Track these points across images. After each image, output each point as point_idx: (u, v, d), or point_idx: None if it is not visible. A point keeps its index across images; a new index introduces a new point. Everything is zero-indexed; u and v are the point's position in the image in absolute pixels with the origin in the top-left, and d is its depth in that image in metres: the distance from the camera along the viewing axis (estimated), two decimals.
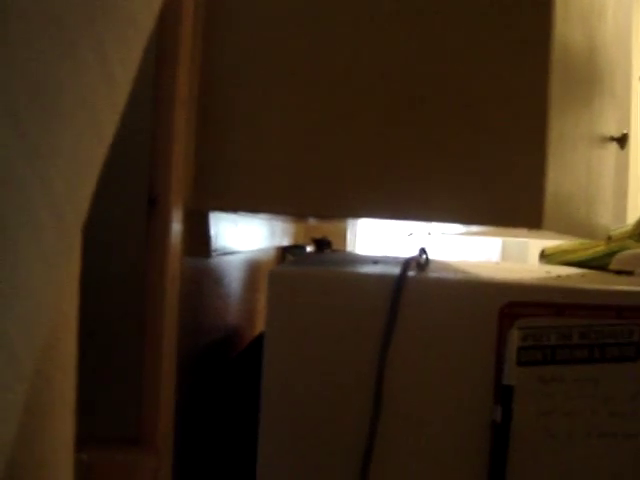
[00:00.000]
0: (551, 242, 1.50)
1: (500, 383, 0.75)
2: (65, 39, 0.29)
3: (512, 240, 2.50)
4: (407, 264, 0.79)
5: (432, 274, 0.82)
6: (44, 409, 0.34)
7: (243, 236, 1.09)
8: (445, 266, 1.00)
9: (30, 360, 0.31)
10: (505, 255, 2.64)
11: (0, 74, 0.27)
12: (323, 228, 1.80)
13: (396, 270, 0.78)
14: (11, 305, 0.30)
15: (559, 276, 0.98)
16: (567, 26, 0.88)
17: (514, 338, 0.75)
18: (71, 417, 0.37)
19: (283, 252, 1.66)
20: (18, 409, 0.31)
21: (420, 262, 0.87)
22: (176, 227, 0.69)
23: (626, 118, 1.80)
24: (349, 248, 2.13)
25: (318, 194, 0.83)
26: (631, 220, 1.40)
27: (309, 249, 1.72)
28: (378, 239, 2.36)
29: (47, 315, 0.32)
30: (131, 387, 0.65)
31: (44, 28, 0.28)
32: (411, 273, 0.78)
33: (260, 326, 1.35)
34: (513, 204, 0.81)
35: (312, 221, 1.46)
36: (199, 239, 0.85)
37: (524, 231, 0.87)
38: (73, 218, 0.32)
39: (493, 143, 0.81)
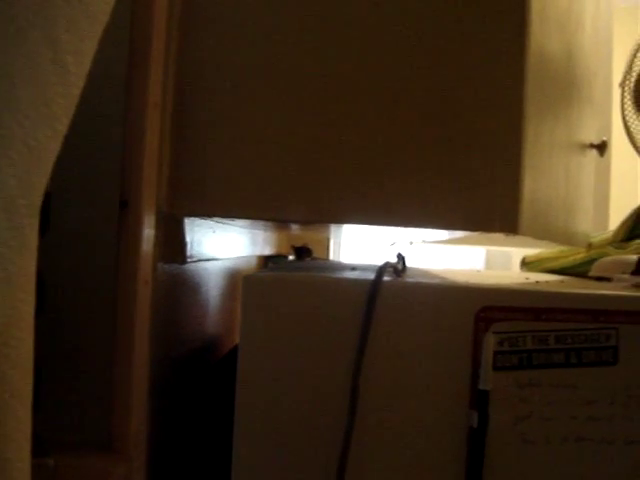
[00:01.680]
0: (534, 250, 1.50)
1: (476, 388, 0.75)
2: (15, 28, 0.28)
3: (496, 249, 2.50)
4: (382, 269, 0.79)
5: (408, 279, 0.82)
6: None
7: (221, 243, 1.08)
8: (422, 272, 1.00)
9: None
10: (489, 264, 2.64)
11: None
12: (306, 237, 1.79)
13: (372, 275, 0.78)
14: None
15: (537, 282, 0.98)
16: (544, 35, 0.88)
17: (490, 342, 0.74)
18: (28, 416, 0.36)
19: (265, 261, 1.66)
20: None
21: (397, 268, 0.87)
22: (148, 230, 0.69)
23: (607, 125, 1.81)
24: (332, 257, 2.12)
25: (294, 199, 0.83)
26: (613, 227, 1.40)
27: (291, 257, 1.71)
28: (361, 249, 2.36)
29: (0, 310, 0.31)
30: (101, 392, 0.65)
31: None
32: (387, 278, 0.78)
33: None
34: (489, 209, 0.81)
35: (294, 230, 1.45)
36: (174, 245, 0.84)
37: (501, 237, 0.87)
38: (26, 212, 0.31)
39: (470, 150, 0.81)
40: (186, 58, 0.82)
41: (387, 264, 0.83)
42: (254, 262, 1.53)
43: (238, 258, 1.29)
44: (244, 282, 0.76)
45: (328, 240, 2.03)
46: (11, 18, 0.28)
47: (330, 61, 0.82)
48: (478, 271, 1.41)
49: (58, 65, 0.31)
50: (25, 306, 0.36)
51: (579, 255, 1.29)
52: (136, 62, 0.65)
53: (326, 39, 0.82)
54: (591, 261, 1.23)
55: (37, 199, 0.32)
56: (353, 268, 0.99)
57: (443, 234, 0.98)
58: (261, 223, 1.11)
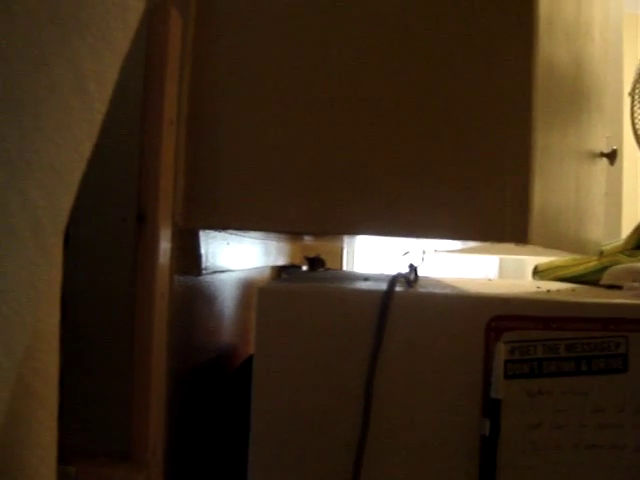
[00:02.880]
0: (547, 259, 1.51)
1: (488, 397, 0.76)
2: (41, 57, 0.30)
3: (509, 258, 2.50)
4: (394, 280, 0.80)
5: (419, 289, 0.83)
6: (24, 417, 0.35)
7: (235, 255, 1.10)
8: (434, 282, 1.01)
9: (11, 368, 0.32)
10: (502, 273, 2.64)
11: None
12: (319, 248, 1.81)
13: (384, 286, 0.79)
14: None
15: (549, 291, 0.99)
16: (552, 44, 0.89)
17: (501, 351, 0.75)
18: (53, 425, 0.38)
19: (279, 272, 1.67)
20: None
21: (409, 278, 0.88)
22: (165, 244, 0.71)
23: (618, 134, 1.81)
24: (346, 268, 2.13)
25: (308, 211, 0.84)
26: (625, 235, 1.41)
27: (305, 268, 1.72)
28: (374, 258, 2.37)
29: (27, 324, 0.33)
30: (120, 402, 0.66)
31: (20, 48, 0.29)
32: (399, 289, 0.79)
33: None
34: (499, 219, 0.82)
35: (307, 240, 1.47)
36: (189, 257, 0.86)
37: (512, 246, 0.88)
38: (52, 230, 0.33)
39: (479, 160, 0.82)
40: (200, 74, 0.84)
41: (399, 275, 0.84)
42: (267, 273, 1.55)
43: (252, 269, 1.30)
44: (258, 293, 0.78)
45: (342, 250, 2.04)
46: (37, 46, 0.30)
47: (344, 75, 0.84)
48: (489, 280, 1.42)
49: (82, 93, 0.32)
50: (51, 320, 0.38)
51: (591, 263, 1.30)
52: (152, 80, 0.67)
53: (340, 53, 0.84)
54: (603, 269, 1.24)
55: (63, 219, 0.34)
56: (366, 278, 1.00)
57: (455, 244, 1.00)
58: (275, 235, 1.12)
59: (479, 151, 0.82)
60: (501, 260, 2.69)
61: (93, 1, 0.32)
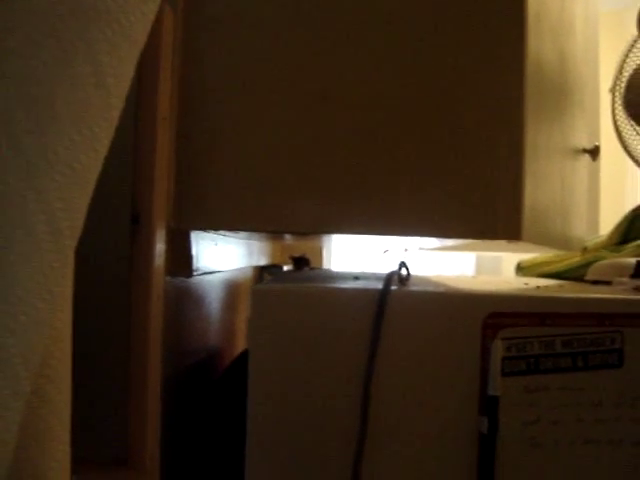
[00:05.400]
0: (524, 255, 1.51)
1: (485, 394, 0.75)
2: (60, 51, 0.29)
3: (486, 254, 2.52)
4: (389, 278, 0.79)
5: (414, 288, 0.82)
6: (39, 427, 0.34)
7: (222, 256, 1.08)
8: (426, 280, 1.01)
9: (28, 377, 0.30)
10: (479, 269, 2.66)
11: None
12: (300, 247, 1.80)
13: (378, 285, 0.78)
14: (9, 322, 0.30)
15: (538, 287, 0.99)
16: (539, 41, 0.89)
17: (498, 349, 0.75)
18: (67, 435, 0.37)
19: (261, 271, 1.66)
20: (15, 427, 0.30)
21: (401, 276, 0.87)
22: (160, 245, 0.69)
23: (596, 131, 1.83)
24: (326, 266, 2.13)
25: (296, 211, 0.83)
26: (604, 231, 1.42)
27: (286, 268, 1.71)
28: (354, 257, 2.36)
29: (44, 332, 0.32)
30: (117, 408, 0.65)
31: (40, 41, 0.28)
32: (393, 287, 0.78)
33: (240, 345, 1.34)
34: (492, 216, 0.82)
35: (288, 240, 1.46)
36: (180, 259, 0.84)
37: (503, 243, 0.88)
38: (69, 233, 0.31)
39: (471, 157, 0.82)
40: (189, 75, 0.82)
41: (394, 273, 0.83)
42: (250, 273, 1.53)
43: (236, 270, 1.29)
44: (252, 295, 0.77)
45: (321, 249, 2.04)
46: (56, 41, 0.29)
47: (331, 74, 0.83)
48: (475, 277, 1.42)
49: (100, 88, 0.31)
50: (64, 326, 0.36)
51: (574, 259, 1.30)
52: (145, 76, 0.66)
53: (328, 52, 0.83)
54: (587, 265, 1.24)
55: (79, 221, 0.33)
56: (356, 277, 0.99)
57: (445, 241, 0.99)
58: (259, 234, 1.11)
59: (471, 149, 0.82)
60: (478, 257, 2.70)
61: None
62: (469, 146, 0.82)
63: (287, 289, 0.79)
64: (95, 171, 0.33)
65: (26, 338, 0.30)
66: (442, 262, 2.66)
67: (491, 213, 0.82)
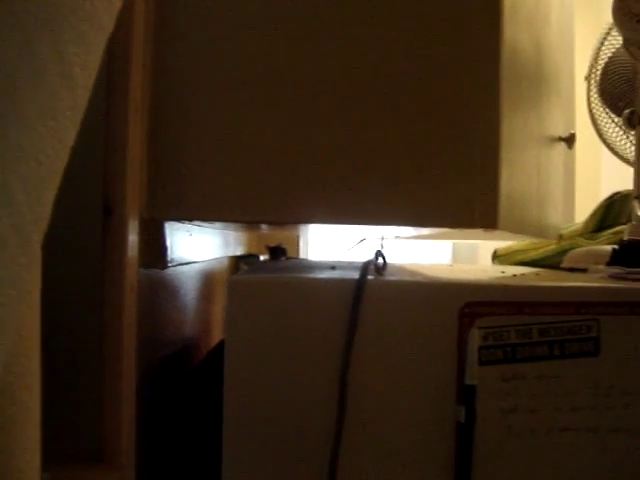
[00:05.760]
0: (501, 243, 1.52)
1: (463, 383, 0.75)
2: (22, 39, 0.28)
3: (462, 242, 2.53)
4: (366, 268, 0.79)
5: (391, 277, 0.82)
6: (7, 426, 0.33)
7: (197, 246, 1.07)
8: (402, 269, 1.00)
9: None
10: (455, 257, 2.67)
11: None
12: (276, 236, 1.79)
13: (355, 274, 0.78)
14: None
15: (515, 275, 0.99)
16: (515, 29, 0.89)
17: (475, 338, 0.75)
18: (36, 433, 0.36)
19: (237, 261, 1.65)
20: None
21: (378, 266, 0.87)
22: (132, 236, 0.68)
23: (572, 119, 1.83)
24: (302, 256, 2.12)
25: (269, 201, 0.82)
26: (579, 219, 1.42)
27: (263, 258, 1.71)
28: (331, 246, 2.36)
29: (11, 330, 0.31)
30: (91, 403, 0.64)
31: (1, 29, 0.27)
32: (370, 277, 0.78)
33: (216, 337, 1.33)
34: (469, 206, 0.81)
35: (265, 229, 1.45)
36: (154, 250, 0.83)
37: (479, 232, 0.88)
38: (35, 228, 0.30)
39: (447, 146, 0.82)
40: (161, 63, 0.81)
41: (370, 262, 0.83)
42: (226, 263, 1.52)
43: (212, 260, 1.28)
44: (229, 286, 0.76)
45: (297, 238, 2.03)
46: (20, 30, 0.28)
47: (298, 63, 0.82)
48: (452, 266, 1.42)
49: (66, 78, 0.30)
50: (32, 323, 0.35)
51: (550, 247, 1.31)
52: (116, 64, 0.65)
53: (295, 41, 0.82)
54: (563, 252, 1.25)
55: (45, 214, 0.32)
56: (332, 267, 0.99)
57: (421, 230, 0.99)
58: (234, 224, 1.10)
59: (447, 138, 0.82)
60: (454, 245, 2.71)
61: None
62: (445, 135, 0.82)
63: (263, 280, 0.78)
64: (61, 163, 0.32)
65: None
66: (418, 250, 2.66)
67: (467, 202, 0.81)
